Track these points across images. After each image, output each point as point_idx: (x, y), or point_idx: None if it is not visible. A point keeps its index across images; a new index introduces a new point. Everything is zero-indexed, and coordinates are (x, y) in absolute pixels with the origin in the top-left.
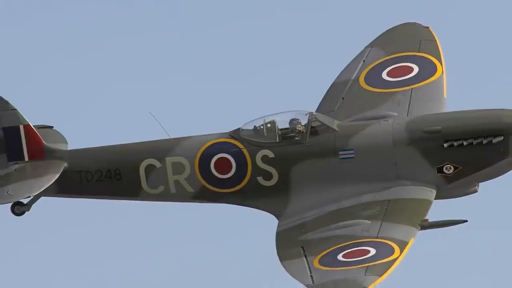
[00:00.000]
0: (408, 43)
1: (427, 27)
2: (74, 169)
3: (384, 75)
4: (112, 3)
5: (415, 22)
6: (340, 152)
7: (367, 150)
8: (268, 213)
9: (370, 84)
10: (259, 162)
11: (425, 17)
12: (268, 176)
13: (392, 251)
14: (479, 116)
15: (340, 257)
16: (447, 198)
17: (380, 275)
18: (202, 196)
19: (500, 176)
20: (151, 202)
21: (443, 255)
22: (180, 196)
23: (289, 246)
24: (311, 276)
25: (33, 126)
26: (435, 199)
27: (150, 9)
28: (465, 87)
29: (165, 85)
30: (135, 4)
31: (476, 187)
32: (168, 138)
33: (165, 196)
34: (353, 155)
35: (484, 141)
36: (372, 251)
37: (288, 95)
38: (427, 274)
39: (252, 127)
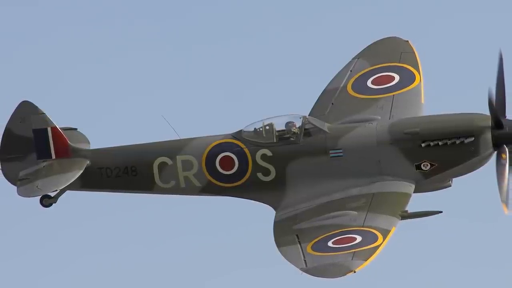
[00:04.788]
0: (390, 55)
1: (407, 41)
2: (96, 166)
3: (369, 83)
4: (129, 24)
5: (396, 37)
6: (330, 151)
7: (354, 150)
8: (266, 205)
9: (356, 91)
10: (259, 160)
11: (405, 32)
12: (266, 172)
13: (376, 238)
14: (453, 119)
15: (330, 243)
16: (424, 191)
17: (366, 260)
18: (208, 190)
19: (471, 172)
20: (163, 195)
21: (421, 241)
22: (189, 190)
23: (285, 234)
24: (304, 260)
25: (60, 128)
26: (414, 192)
27: (161, 28)
28: (440, 94)
29: (176, 92)
30: (149, 26)
31: (450, 182)
32: (178, 138)
33: (176, 190)
34: (341, 154)
35: (457, 142)
36: (358, 239)
37: (284, 101)
38: (407, 258)
39: (253, 129)
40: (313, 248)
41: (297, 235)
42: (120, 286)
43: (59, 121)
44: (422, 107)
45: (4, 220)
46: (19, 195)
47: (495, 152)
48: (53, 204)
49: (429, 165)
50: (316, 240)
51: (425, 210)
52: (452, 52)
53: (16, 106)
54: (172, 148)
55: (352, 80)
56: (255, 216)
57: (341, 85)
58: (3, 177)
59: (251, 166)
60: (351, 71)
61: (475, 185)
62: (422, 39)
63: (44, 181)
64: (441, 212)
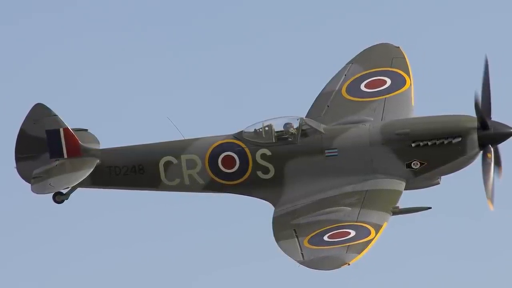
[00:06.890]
0: (382, 60)
1: (398, 47)
2: (105, 165)
3: (362, 86)
4: (136, 30)
5: (388, 43)
6: (326, 151)
7: (348, 149)
8: (266, 202)
9: (350, 94)
10: (259, 159)
11: (396, 38)
12: (266, 170)
13: (368, 233)
14: (441, 120)
15: (326, 237)
16: (414, 189)
17: (359, 253)
18: (211, 187)
19: (459, 171)
20: (169, 192)
21: (411, 236)
22: (193, 187)
23: (283, 229)
24: (302, 254)
25: (71, 129)
26: (404, 190)
27: (167, 33)
28: (429, 97)
29: (180, 95)
30: (155, 31)
31: (439, 179)
32: (183, 138)
33: (180, 187)
34: (336, 153)
35: (445, 142)
36: (352, 233)
37: (282, 103)
38: (398, 252)
39: (253, 130)
40: (309, 242)
41: (294, 230)
42: (125, 281)
43: (71, 122)
44: (412, 109)
45: (19, 216)
46: (33, 192)
47: (481, 152)
48: (65, 201)
49: (419, 164)
50: (312, 234)
51: (415, 206)
52: (440, 57)
53: (30, 108)
54: (177, 148)
55: (347, 83)
56: (255, 212)
57: (336, 89)
58: (18, 175)
59: (251, 165)
60: (345, 75)
61: (462, 183)
62: (413, 45)
63: (56, 179)
64: (430, 208)
